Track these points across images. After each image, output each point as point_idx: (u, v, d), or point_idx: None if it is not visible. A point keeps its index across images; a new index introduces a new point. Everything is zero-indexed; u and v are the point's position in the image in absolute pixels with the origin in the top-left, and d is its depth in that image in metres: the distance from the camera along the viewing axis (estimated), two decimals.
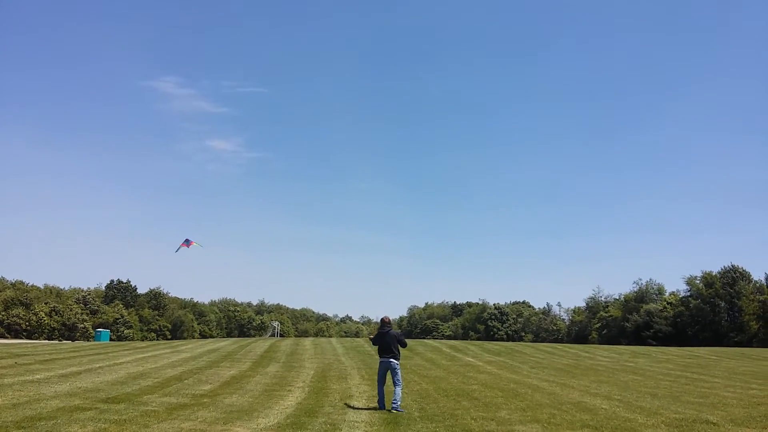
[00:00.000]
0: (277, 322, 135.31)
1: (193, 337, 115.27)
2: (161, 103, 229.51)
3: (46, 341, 76.10)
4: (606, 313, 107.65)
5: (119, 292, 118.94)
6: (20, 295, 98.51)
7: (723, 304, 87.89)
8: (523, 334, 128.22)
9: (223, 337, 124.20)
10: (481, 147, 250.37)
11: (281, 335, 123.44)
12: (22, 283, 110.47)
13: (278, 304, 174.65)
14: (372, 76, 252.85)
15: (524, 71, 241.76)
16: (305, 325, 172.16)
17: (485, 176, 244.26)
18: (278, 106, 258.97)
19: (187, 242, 41.83)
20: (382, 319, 15.30)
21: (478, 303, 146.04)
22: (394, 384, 14.68)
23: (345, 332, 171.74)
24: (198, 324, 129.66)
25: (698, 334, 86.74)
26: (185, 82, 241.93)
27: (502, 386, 19.92)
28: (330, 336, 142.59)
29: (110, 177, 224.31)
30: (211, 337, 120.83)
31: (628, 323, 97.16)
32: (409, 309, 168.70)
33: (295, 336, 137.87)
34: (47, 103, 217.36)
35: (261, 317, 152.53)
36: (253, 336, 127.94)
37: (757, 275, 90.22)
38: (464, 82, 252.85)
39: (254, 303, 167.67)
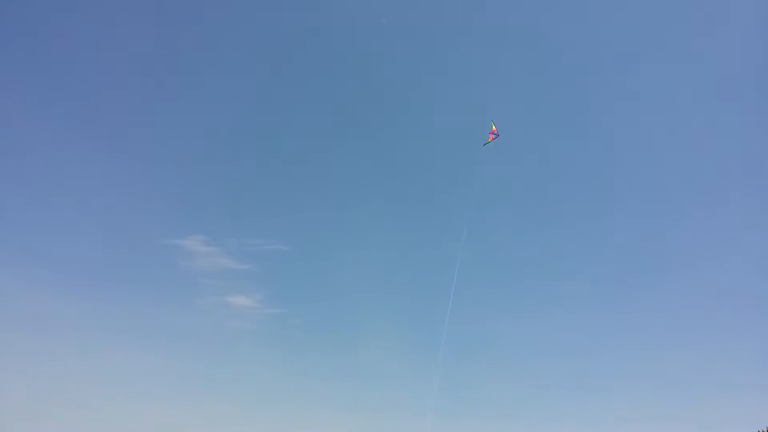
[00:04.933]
0: None
1: None
2: (186, 260, 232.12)
3: None
4: None
5: None
6: None
7: None
8: None
9: None
10: (508, 312, 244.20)
11: None
12: None
13: None
14: (394, 244, 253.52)
15: (540, 243, 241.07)
16: None
17: (512, 337, 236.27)
18: (299, 264, 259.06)
19: (495, 135, 40.63)
20: None
21: None
22: None
23: None
24: None
25: None
26: (211, 240, 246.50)
27: None
28: None
29: (121, 331, 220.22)
30: None
31: None
32: None
33: None
34: (76, 251, 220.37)
35: None
36: None
37: None
38: (484, 249, 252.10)
39: None
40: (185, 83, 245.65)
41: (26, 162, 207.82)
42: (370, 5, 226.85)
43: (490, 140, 42.51)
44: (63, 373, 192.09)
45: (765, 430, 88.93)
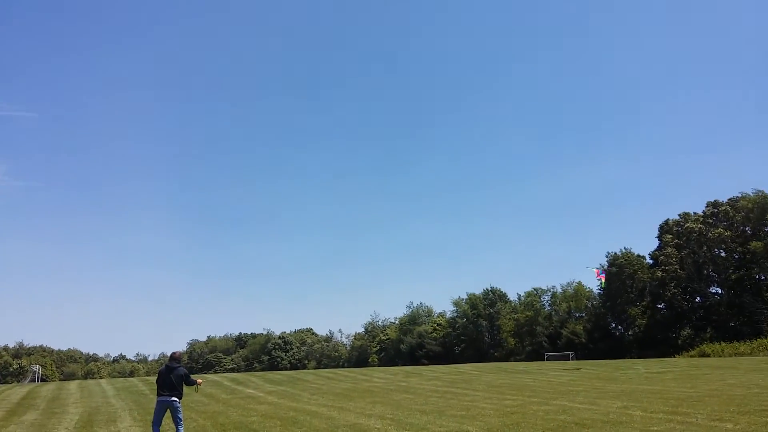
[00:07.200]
0: (38, 366, 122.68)
1: None
2: None
3: None
4: (384, 336, 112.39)
5: None
6: None
7: (485, 323, 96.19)
8: (306, 362, 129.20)
9: None
10: (262, 180, 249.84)
11: (43, 380, 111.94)
12: None
13: (41, 346, 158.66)
14: (156, 99, 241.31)
15: (319, 109, 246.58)
16: (72, 367, 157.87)
17: (266, 208, 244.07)
18: (49, 132, 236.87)
19: (602, 274, 40.74)
20: (171, 355, 14.31)
21: (262, 333, 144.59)
22: (176, 424, 13.80)
23: (118, 372, 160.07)
24: None
25: (464, 352, 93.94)
26: None
27: (282, 415, 20.06)
28: (101, 377, 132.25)
29: None
30: None
31: (403, 345, 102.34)
32: (189, 344, 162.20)
33: (60, 380, 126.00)
34: None
35: (19, 361, 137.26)
36: (10, 383, 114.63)
37: (512, 296, 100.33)
38: (265, 109, 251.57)
39: (11, 345, 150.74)
40: None
41: None
42: None
43: (598, 277, 46.60)
44: None
45: None
